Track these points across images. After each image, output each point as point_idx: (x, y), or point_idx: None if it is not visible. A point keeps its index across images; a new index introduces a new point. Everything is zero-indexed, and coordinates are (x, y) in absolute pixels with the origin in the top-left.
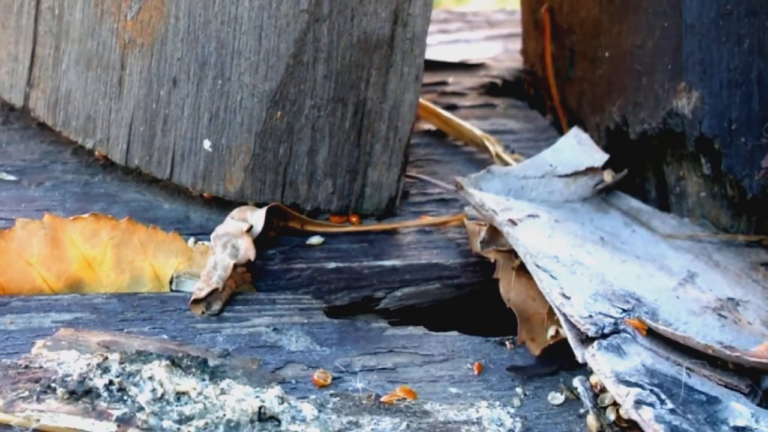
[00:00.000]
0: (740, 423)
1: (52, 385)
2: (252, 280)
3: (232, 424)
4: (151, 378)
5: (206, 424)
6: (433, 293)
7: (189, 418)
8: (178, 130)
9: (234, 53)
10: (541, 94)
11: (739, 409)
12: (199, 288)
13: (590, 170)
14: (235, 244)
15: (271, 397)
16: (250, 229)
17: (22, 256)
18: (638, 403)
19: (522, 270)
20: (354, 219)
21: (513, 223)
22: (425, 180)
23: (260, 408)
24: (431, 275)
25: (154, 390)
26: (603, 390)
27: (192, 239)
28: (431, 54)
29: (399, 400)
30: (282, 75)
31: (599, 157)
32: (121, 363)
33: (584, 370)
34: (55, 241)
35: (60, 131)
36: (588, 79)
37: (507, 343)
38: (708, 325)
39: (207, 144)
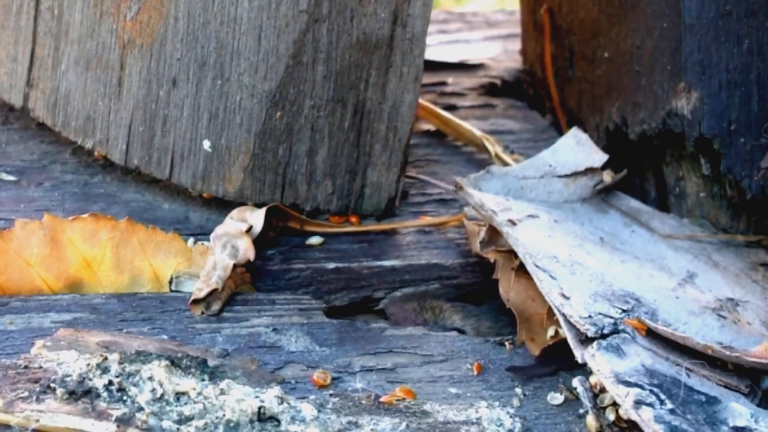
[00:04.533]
0: (740, 423)
1: (52, 385)
2: (251, 281)
3: (231, 425)
4: (150, 378)
5: (206, 424)
6: (432, 293)
7: (188, 419)
8: (178, 131)
9: (233, 54)
10: (541, 94)
11: (738, 410)
12: (198, 288)
13: (590, 170)
14: (234, 245)
15: (270, 397)
16: (249, 230)
17: (21, 256)
18: (638, 403)
19: (521, 270)
20: (353, 219)
21: (512, 223)
22: (425, 180)
23: (260, 408)
24: (431, 275)
25: (153, 390)
26: (602, 390)
27: (191, 239)
28: (430, 54)
29: (398, 400)
30: (281, 75)
31: (598, 158)
32: (120, 363)
33: (584, 370)
34: (55, 242)
35: (59, 131)
36: (587, 79)
37: (506, 343)
38: (707, 325)
39: (206, 144)
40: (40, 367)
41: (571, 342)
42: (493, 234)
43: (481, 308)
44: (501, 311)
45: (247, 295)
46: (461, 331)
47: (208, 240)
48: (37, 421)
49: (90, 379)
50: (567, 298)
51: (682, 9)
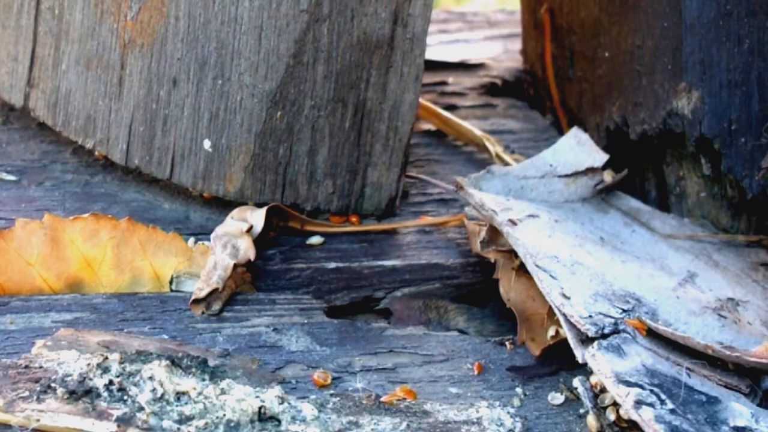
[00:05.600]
0: (740, 423)
1: (52, 385)
2: (252, 280)
3: (232, 424)
4: (151, 378)
5: (206, 424)
6: (433, 293)
7: (189, 418)
8: (178, 130)
9: (234, 53)
10: (541, 94)
11: (739, 410)
12: (199, 288)
13: (590, 170)
14: (235, 244)
15: (271, 397)
16: (250, 229)
17: (21, 255)
18: (638, 403)
19: (522, 270)
20: (354, 219)
21: (513, 223)
22: (425, 180)
23: (260, 408)
24: (431, 275)
25: (154, 390)
26: (603, 390)
27: (192, 239)
28: (431, 54)
29: (399, 400)
30: (282, 75)
31: (599, 158)
32: (121, 363)
33: (584, 370)
34: (55, 241)
35: (60, 131)
36: (588, 79)
37: (507, 343)
38: (708, 325)
39: (207, 144)
40: (41, 367)
41: (572, 342)
42: (494, 234)
43: (484, 311)
44: (504, 314)
45: (248, 294)
46: (463, 332)
47: (209, 240)
48: (38, 420)
49: (90, 379)
50: (567, 297)
51: (682, 9)
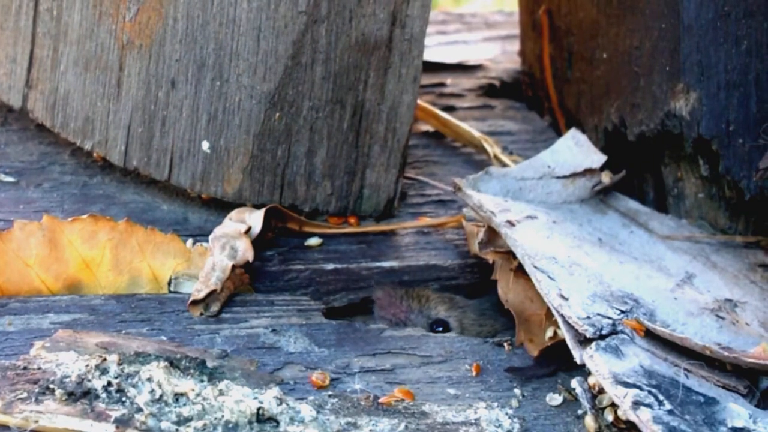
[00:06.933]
0: (738, 424)
1: (51, 386)
2: (250, 282)
3: (230, 425)
4: (149, 379)
5: (205, 425)
6: None
7: (187, 420)
8: (177, 132)
9: (232, 55)
10: (539, 95)
11: (736, 410)
12: (197, 289)
13: (588, 171)
14: (233, 246)
15: (269, 398)
16: (248, 231)
17: (20, 257)
18: (636, 404)
19: (520, 271)
20: (352, 220)
21: (511, 224)
22: (423, 181)
23: (259, 409)
24: (429, 276)
25: (152, 391)
26: (601, 391)
27: (190, 240)
28: (429, 55)
29: (397, 401)
30: (280, 76)
31: (597, 159)
32: (119, 364)
33: (582, 371)
34: (54, 243)
35: (58, 132)
36: (586, 80)
37: (505, 344)
38: (706, 326)
39: (205, 145)
40: (39, 368)
41: (570, 343)
42: (492, 235)
43: (469, 302)
44: (489, 306)
45: (246, 296)
46: (444, 323)
47: (207, 241)
48: (36, 422)
49: (89, 380)
50: (565, 298)
51: (680, 10)
